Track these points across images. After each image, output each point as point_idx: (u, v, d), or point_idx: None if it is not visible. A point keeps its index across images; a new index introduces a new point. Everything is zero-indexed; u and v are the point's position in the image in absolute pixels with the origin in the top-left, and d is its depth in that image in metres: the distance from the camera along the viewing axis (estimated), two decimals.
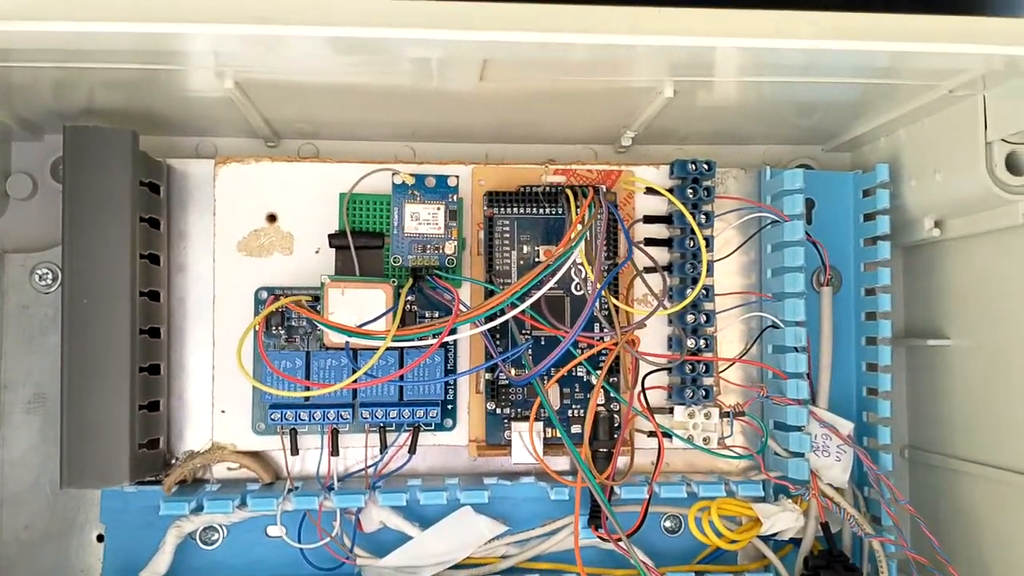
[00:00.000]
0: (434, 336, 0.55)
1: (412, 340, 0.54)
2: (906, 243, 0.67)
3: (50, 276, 0.61)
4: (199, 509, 0.58)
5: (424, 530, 0.61)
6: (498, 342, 0.60)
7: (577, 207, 0.58)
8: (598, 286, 0.57)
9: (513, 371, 0.59)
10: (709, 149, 0.69)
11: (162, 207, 0.61)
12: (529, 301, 0.56)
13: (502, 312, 0.56)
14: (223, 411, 0.61)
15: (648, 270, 0.62)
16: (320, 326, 0.56)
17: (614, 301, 0.59)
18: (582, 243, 0.56)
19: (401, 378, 0.58)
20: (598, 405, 0.61)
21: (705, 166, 0.61)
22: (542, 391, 0.56)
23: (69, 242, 0.55)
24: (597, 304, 0.58)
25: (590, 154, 0.69)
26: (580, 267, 0.62)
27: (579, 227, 0.56)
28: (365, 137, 0.67)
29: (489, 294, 0.60)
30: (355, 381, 0.54)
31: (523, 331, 0.61)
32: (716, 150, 0.69)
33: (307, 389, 0.57)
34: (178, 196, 0.63)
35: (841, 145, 0.70)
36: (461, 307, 0.55)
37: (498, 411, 0.62)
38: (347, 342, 0.55)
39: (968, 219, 0.61)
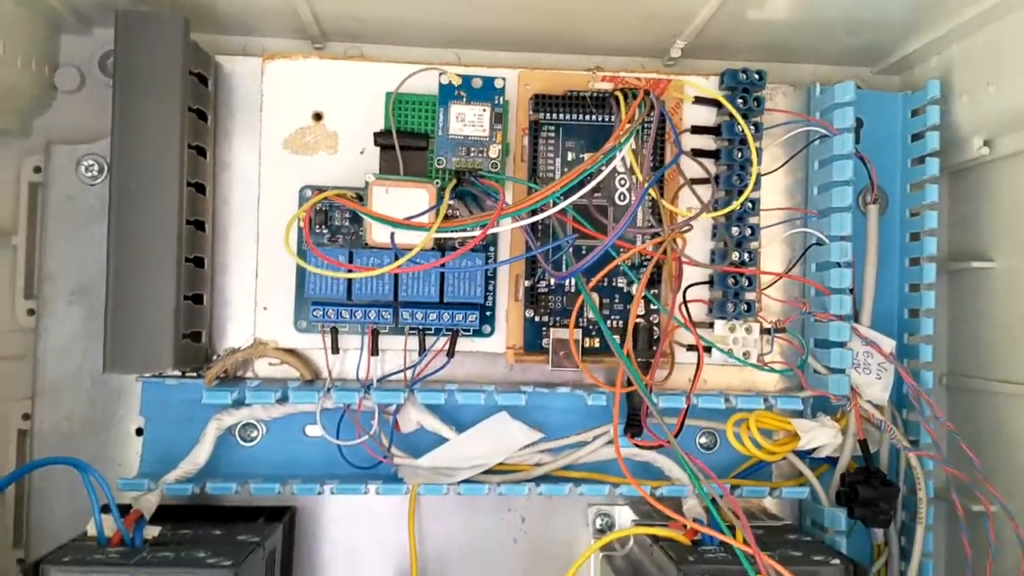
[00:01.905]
0: (478, 229, 0.54)
1: (456, 232, 0.54)
2: (953, 166, 0.66)
3: (96, 168, 0.61)
4: (240, 402, 0.58)
5: (460, 433, 0.61)
6: (539, 242, 0.60)
7: (627, 109, 0.58)
8: (645, 185, 0.56)
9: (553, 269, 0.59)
10: (759, 66, 0.68)
11: (209, 100, 0.61)
12: (573, 198, 0.55)
13: (544, 209, 0.56)
14: (265, 308, 0.61)
15: (695, 181, 0.61)
16: (365, 218, 0.56)
17: (662, 202, 0.59)
18: (629, 145, 0.56)
19: (443, 267, 0.57)
20: (638, 316, 0.61)
21: (756, 76, 0.61)
22: (584, 289, 0.56)
23: (119, 125, 0.55)
24: (642, 208, 0.57)
25: (637, 66, 0.68)
26: (625, 177, 0.61)
27: (628, 126, 0.56)
28: (410, 42, 0.66)
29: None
30: (399, 267, 0.53)
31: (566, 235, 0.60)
32: (766, 67, 0.67)
33: (350, 272, 0.56)
34: (224, 95, 0.63)
35: (891, 66, 0.69)
36: (504, 204, 0.55)
37: (536, 319, 0.62)
38: (392, 234, 0.55)
39: (1020, 135, 0.60)
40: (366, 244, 0.58)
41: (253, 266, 0.61)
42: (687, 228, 0.58)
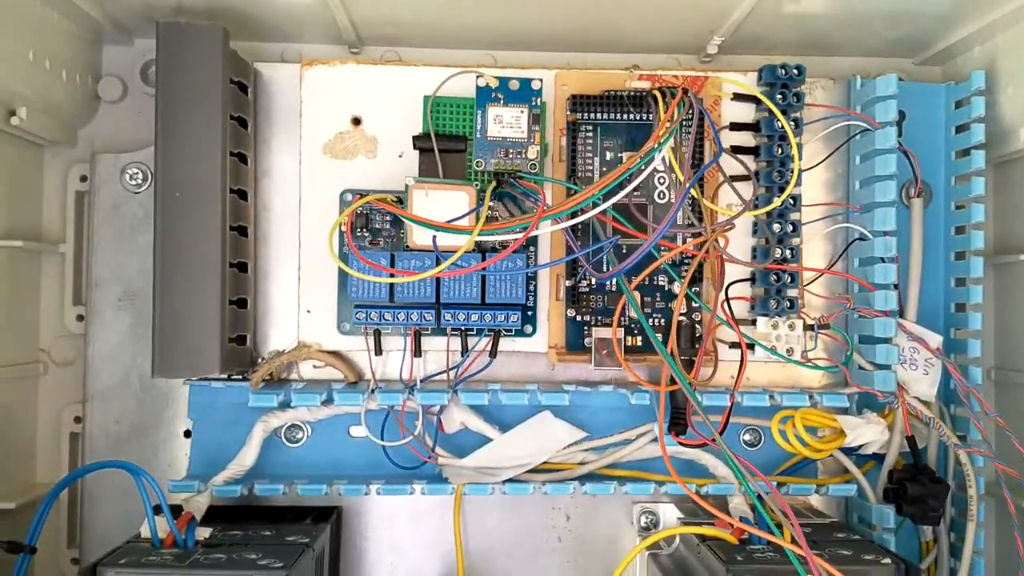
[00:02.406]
0: (520, 232, 0.55)
1: (498, 235, 0.54)
2: (998, 157, 0.65)
3: (140, 176, 0.62)
4: (286, 404, 0.59)
5: (504, 433, 0.61)
6: (580, 243, 0.60)
7: (665, 108, 0.57)
8: (686, 185, 0.56)
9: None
10: (797, 60, 0.67)
11: (249, 108, 0.61)
12: (613, 199, 0.55)
13: (585, 211, 0.56)
14: (308, 311, 0.62)
15: (735, 179, 0.61)
16: (406, 221, 0.56)
17: (705, 202, 0.58)
18: (669, 144, 0.56)
19: (484, 271, 0.58)
20: (680, 314, 0.61)
21: (795, 71, 0.60)
22: (627, 289, 0.56)
23: (162, 134, 0.55)
24: (682, 209, 0.57)
25: (673, 63, 0.68)
26: (664, 175, 0.61)
27: (668, 125, 0.56)
28: (447, 45, 0.66)
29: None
30: (441, 271, 0.53)
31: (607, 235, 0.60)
32: (804, 61, 0.67)
33: (392, 276, 0.57)
34: (263, 101, 0.63)
35: (932, 57, 0.68)
36: (545, 205, 0.55)
37: (578, 318, 0.62)
38: (434, 236, 0.55)
39: None
40: (407, 247, 0.59)
41: (295, 270, 0.62)
42: (729, 227, 0.58)
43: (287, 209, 0.63)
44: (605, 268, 0.59)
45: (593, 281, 0.61)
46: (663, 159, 0.57)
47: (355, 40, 0.65)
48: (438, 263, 0.55)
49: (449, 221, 0.55)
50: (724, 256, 0.57)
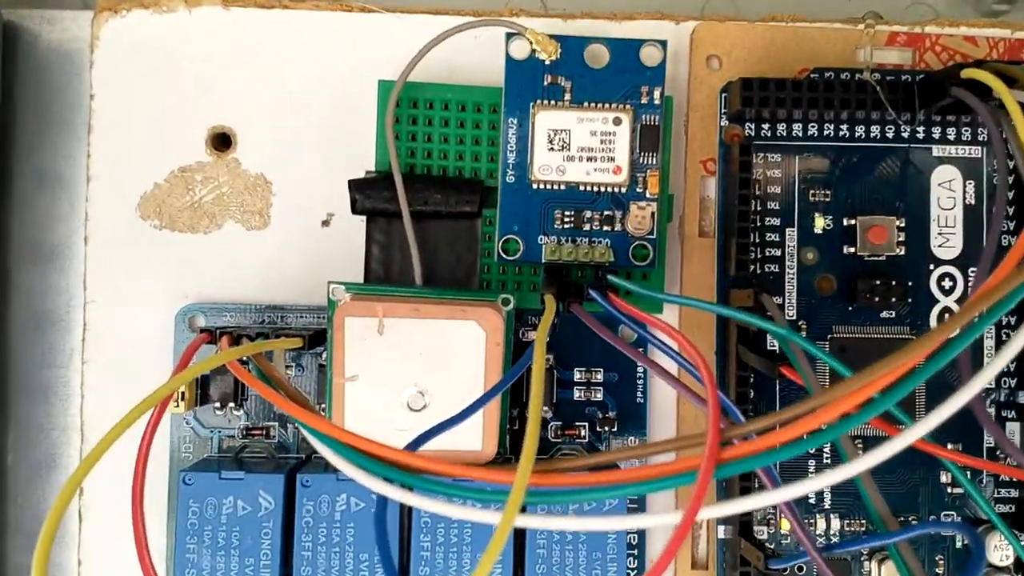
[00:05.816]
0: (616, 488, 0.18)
1: (580, 500, 0.18)
2: None
3: None
4: None
5: None
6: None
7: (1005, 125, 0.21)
8: None
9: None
10: None
11: None
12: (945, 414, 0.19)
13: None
14: None
15: None
16: (307, 434, 0.20)
17: None
18: None
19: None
20: None
21: None
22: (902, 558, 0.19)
23: None
24: None
25: (926, 13, 0.32)
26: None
27: None
28: None
29: (756, 346, 0.24)
30: None
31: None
32: None
33: None
34: (37, 93, 0.28)
35: None
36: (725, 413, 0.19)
37: None
38: (378, 498, 0.19)
39: None
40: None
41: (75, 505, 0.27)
42: None
43: (77, 334, 0.28)
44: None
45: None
46: None
47: None
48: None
49: (414, 443, 0.20)
50: None
